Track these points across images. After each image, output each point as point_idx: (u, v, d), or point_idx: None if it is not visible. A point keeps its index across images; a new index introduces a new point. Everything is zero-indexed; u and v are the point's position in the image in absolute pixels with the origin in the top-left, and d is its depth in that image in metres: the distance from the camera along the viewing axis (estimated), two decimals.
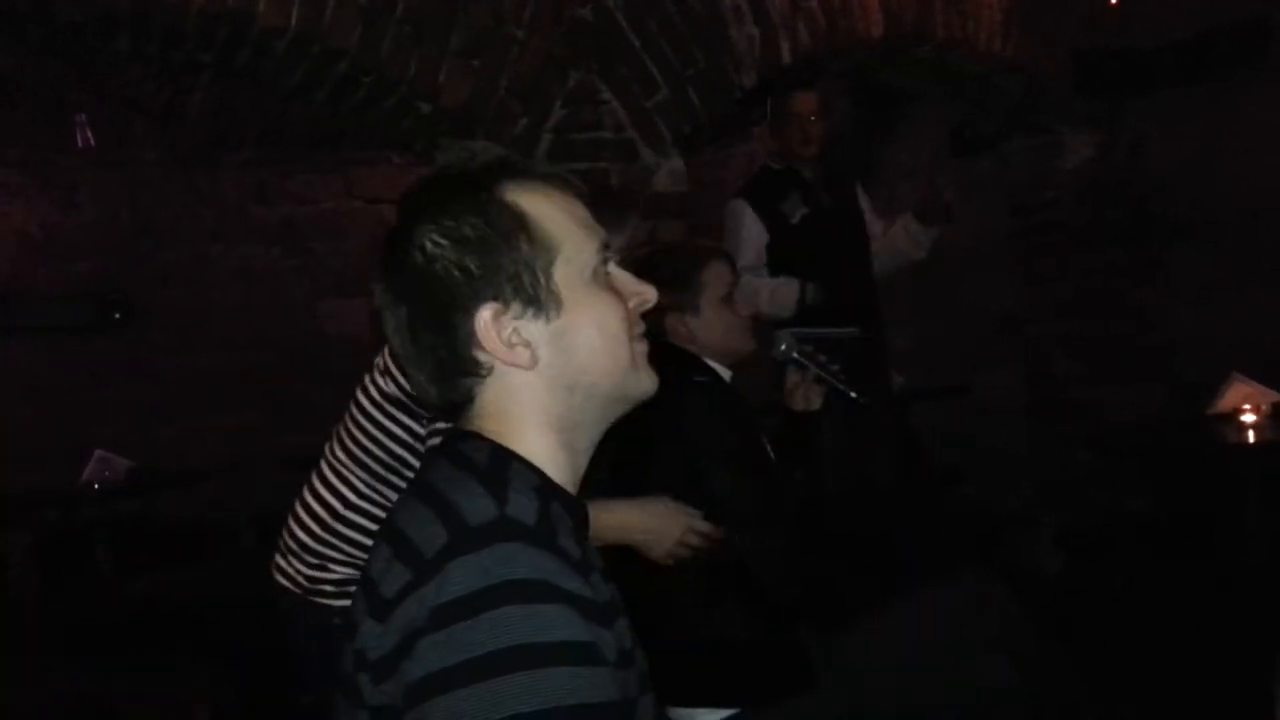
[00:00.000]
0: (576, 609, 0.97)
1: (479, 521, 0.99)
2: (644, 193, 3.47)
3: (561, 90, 3.39)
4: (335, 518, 2.09)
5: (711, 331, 2.34)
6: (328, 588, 2.08)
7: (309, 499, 2.15)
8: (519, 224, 1.11)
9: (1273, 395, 3.68)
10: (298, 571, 2.12)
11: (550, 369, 1.12)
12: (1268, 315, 4.38)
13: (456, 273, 1.09)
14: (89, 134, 5.12)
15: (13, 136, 5.38)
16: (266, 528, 2.42)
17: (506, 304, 1.10)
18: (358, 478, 2.07)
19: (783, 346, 2.52)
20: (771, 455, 2.42)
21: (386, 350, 1.99)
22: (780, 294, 3.72)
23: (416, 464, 1.98)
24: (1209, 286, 4.69)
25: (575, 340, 1.12)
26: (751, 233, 3.79)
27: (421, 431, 2.00)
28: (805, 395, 2.52)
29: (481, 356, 1.10)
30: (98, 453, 4.64)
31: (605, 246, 1.16)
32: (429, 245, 1.09)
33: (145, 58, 3.98)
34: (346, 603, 1.93)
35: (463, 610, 0.94)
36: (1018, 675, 2.01)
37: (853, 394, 2.49)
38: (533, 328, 1.11)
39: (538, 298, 1.10)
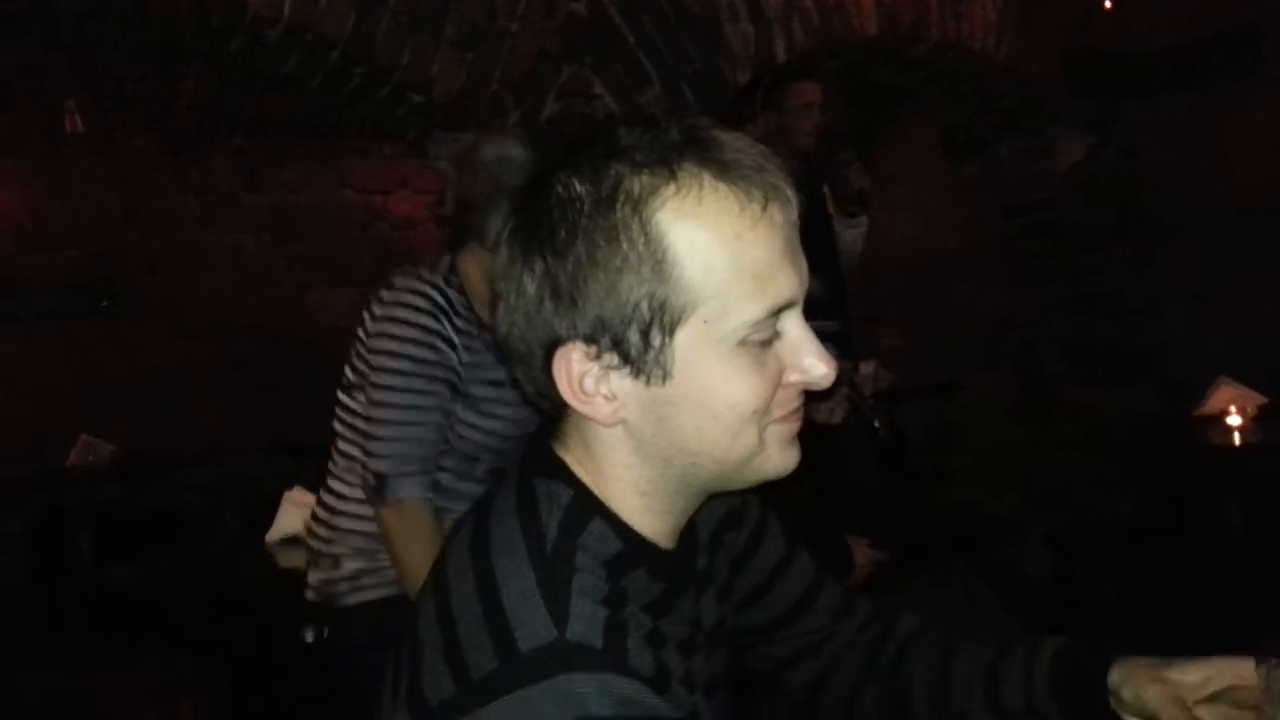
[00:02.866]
0: None
1: (531, 646, 0.81)
2: None
3: (554, 84, 3.38)
4: (334, 514, 2.05)
5: None
6: (341, 586, 1.99)
7: (315, 505, 2.11)
8: (656, 261, 0.83)
9: (1258, 398, 3.70)
10: (318, 579, 2.05)
11: (640, 434, 0.89)
12: (1258, 317, 4.40)
13: (554, 287, 0.85)
14: (78, 120, 5.10)
15: (2, 123, 5.34)
16: (252, 514, 2.40)
17: (599, 351, 0.86)
18: (344, 482, 2.03)
19: None
20: None
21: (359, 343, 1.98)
22: None
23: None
24: (1200, 288, 4.71)
25: (677, 415, 0.87)
26: None
27: (358, 408, 1.94)
28: (830, 409, 2.48)
29: (553, 392, 0.89)
30: (83, 438, 4.63)
31: (786, 306, 0.87)
32: (546, 253, 0.85)
33: (138, 45, 3.97)
34: (362, 597, 1.94)
35: None
36: None
37: (876, 423, 2.46)
38: (624, 383, 0.87)
39: (639, 359, 0.85)
